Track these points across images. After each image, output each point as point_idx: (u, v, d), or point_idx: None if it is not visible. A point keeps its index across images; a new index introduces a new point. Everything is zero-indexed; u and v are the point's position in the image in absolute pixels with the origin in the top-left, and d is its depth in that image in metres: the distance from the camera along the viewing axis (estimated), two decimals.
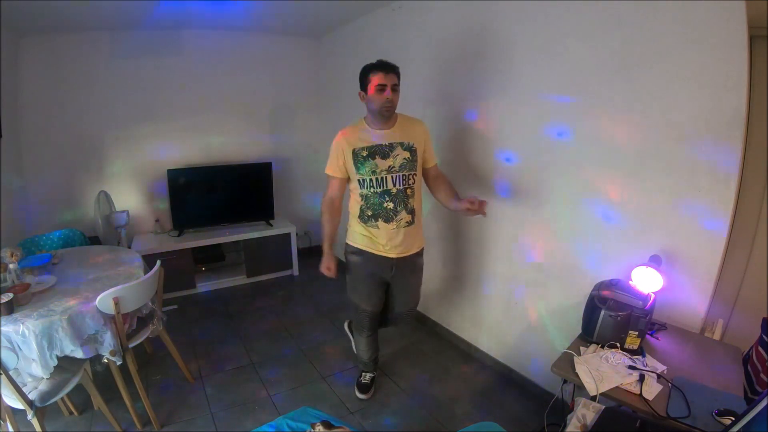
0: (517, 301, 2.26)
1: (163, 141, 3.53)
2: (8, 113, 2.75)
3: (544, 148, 1.98)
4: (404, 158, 1.87)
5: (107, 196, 3.18)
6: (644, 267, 1.51)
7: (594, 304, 1.47)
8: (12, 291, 1.65)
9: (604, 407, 1.15)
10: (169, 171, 3.41)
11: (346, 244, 2.05)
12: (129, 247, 3.11)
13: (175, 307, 3.21)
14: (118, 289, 1.74)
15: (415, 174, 1.91)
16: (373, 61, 1.85)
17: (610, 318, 1.42)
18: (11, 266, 1.79)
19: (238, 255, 3.90)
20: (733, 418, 0.97)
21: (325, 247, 2.00)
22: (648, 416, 1.14)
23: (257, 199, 3.81)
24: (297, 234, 3.87)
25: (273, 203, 3.85)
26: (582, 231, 1.88)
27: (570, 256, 1.94)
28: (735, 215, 1.44)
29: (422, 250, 2.08)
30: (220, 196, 3.72)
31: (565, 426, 1.17)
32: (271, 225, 3.82)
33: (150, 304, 2.04)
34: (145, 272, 2.08)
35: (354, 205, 1.97)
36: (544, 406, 1.64)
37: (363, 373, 2.28)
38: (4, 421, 1.60)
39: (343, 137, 1.90)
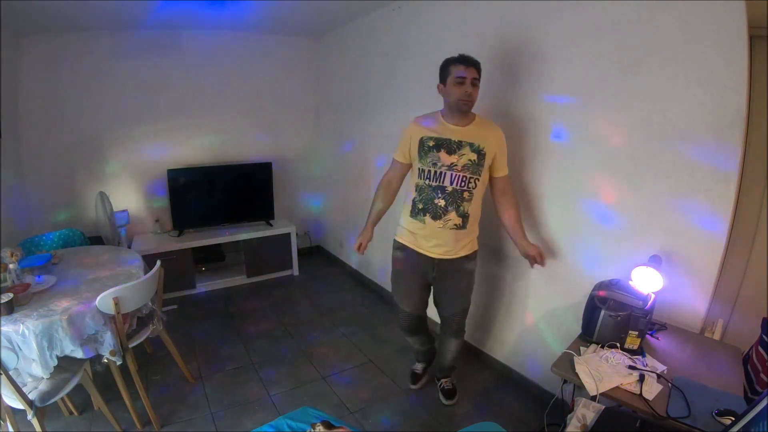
0: (517, 301, 2.26)
1: (163, 141, 3.53)
2: (8, 113, 2.75)
3: (543, 148, 1.99)
4: (470, 159, 1.77)
5: (105, 196, 3.17)
6: (644, 267, 1.51)
7: (594, 304, 1.47)
8: (12, 291, 1.65)
9: (604, 407, 1.15)
10: (169, 171, 3.42)
11: (393, 240, 2.00)
12: (129, 247, 3.11)
13: (175, 307, 3.21)
14: (118, 289, 1.74)
15: (478, 179, 1.80)
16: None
17: (610, 318, 1.42)
18: (11, 266, 1.79)
19: (238, 255, 3.90)
20: (733, 418, 0.97)
21: (368, 222, 2.00)
22: (648, 416, 1.14)
23: (257, 199, 3.81)
24: (297, 234, 3.87)
25: (273, 203, 3.85)
26: (582, 231, 1.88)
27: (570, 256, 1.94)
28: (735, 215, 1.44)
29: (473, 254, 1.94)
30: (220, 196, 3.72)
31: (565, 426, 1.17)
32: (271, 225, 3.82)
33: (150, 304, 2.04)
34: (145, 272, 2.08)
35: (409, 196, 1.91)
36: (544, 406, 1.64)
37: (415, 362, 2.31)
38: (4, 421, 1.60)
39: (415, 124, 1.86)
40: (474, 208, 1.84)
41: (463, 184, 1.79)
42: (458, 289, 1.98)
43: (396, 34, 2.87)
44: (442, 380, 2.21)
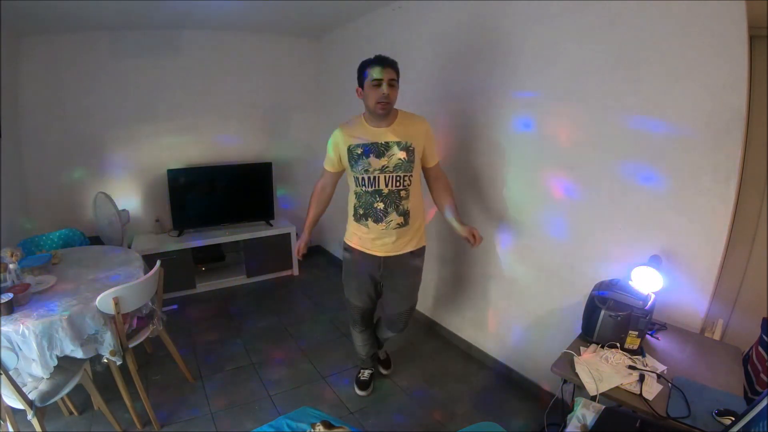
0: (517, 300, 2.26)
1: (163, 141, 3.53)
2: (8, 113, 2.75)
3: (544, 148, 1.98)
4: (400, 158, 1.79)
5: (107, 196, 3.17)
6: (644, 267, 1.51)
7: (594, 304, 1.47)
8: (12, 291, 1.65)
9: (604, 407, 1.15)
10: (169, 171, 3.42)
11: (343, 241, 2.05)
12: (129, 247, 3.11)
13: (175, 307, 3.21)
14: (118, 289, 1.74)
15: (411, 175, 1.83)
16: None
17: (610, 318, 1.42)
18: (11, 266, 1.79)
19: (238, 255, 3.90)
20: (733, 418, 0.97)
21: (305, 228, 2.06)
22: (648, 416, 1.14)
23: (257, 199, 3.81)
24: (297, 234, 3.87)
25: (273, 203, 3.85)
26: (582, 231, 1.88)
27: (570, 256, 1.94)
28: (735, 215, 1.44)
29: (419, 250, 1.98)
30: (220, 196, 3.72)
31: (565, 426, 1.17)
32: (271, 225, 3.82)
33: (150, 304, 2.04)
34: (145, 272, 2.08)
35: (350, 201, 1.95)
36: (544, 406, 1.64)
37: (361, 370, 2.29)
38: (4, 421, 1.60)
39: (340, 132, 1.86)
40: (414, 203, 1.88)
41: (398, 183, 1.81)
42: (405, 286, 2.01)
43: (396, 34, 2.87)
44: (379, 351, 2.34)
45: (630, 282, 1.52)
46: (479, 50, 2.24)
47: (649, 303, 1.41)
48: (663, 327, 1.55)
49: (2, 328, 1.52)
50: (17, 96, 2.94)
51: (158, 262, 2.01)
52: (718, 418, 1.08)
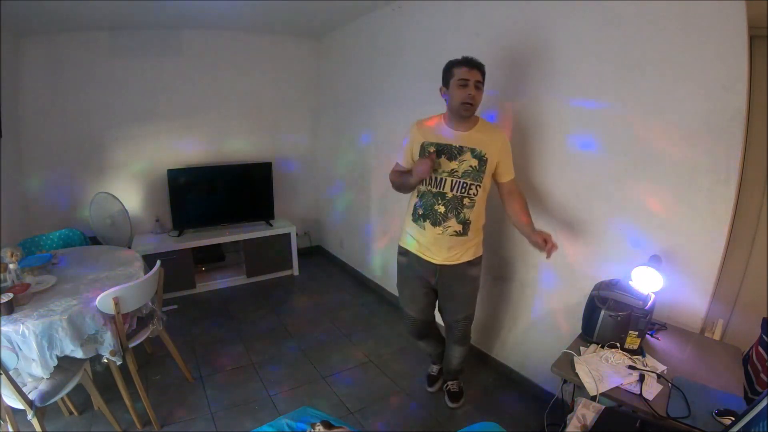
0: (517, 300, 2.26)
1: (163, 141, 3.53)
2: (8, 113, 2.75)
3: (544, 148, 1.98)
4: (470, 166, 1.72)
5: (112, 195, 3.18)
6: (644, 267, 1.51)
7: (594, 304, 1.47)
8: (12, 291, 1.65)
9: (604, 407, 1.15)
10: (169, 171, 3.41)
11: (398, 245, 1.98)
12: (129, 247, 3.11)
13: (175, 307, 3.21)
14: (118, 289, 1.73)
15: (479, 186, 1.75)
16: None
17: (610, 318, 1.42)
18: (11, 266, 1.79)
19: (238, 255, 3.90)
20: (733, 418, 0.97)
21: (408, 173, 1.82)
22: (648, 416, 1.14)
23: (257, 199, 3.81)
24: (297, 234, 3.87)
25: (273, 203, 3.85)
26: (582, 231, 1.88)
27: (570, 256, 1.94)
28: (735, 215, 1.44)
29: (477, 259, 1.89)
30: (220, 196, 3.71)
31: (565, 426, 1.17)
32: (271, 225, 3.82)
33: (150, 304, 2.04)
34: (145, 272, 2.08)
35: (411, 201, 1.89)
36: (544, 406, 1.64)
37: (431, 365, 2.32)
38: (4, 421, 1.60)
39: (418, 128, 1.82)
40: (476, 215, 1.80)
41: (463, 190, 1.75)
42: (461, 295, 1.93)
43: (396, 34, 2.87)
44: (448, 383, 2.18)
45: (630, 282, 1.52)
46: (479, 50, 2.23)
47: (649, 303, 1.41)
48: (663, 327, 1.56)
49: (2, 328, 1.52)
50: (17, 96, 2.94)
51: (158, 262, 2.01)
52: (718, 418, 1.09)
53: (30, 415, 1.55)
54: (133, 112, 3.37)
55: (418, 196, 1.84)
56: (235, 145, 3.82)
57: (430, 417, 2.07)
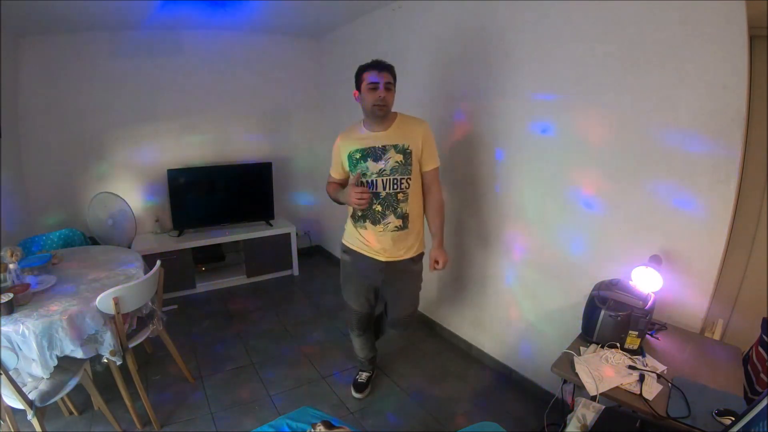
0: (517, 300, 2.26)
1: (163, 141, 3.53)
2: (8, 113, 2.75)
3: (545, 148, 1.98)
4: (396, 161, 1.80)
5: (115, 195, 3.18)
6: (644, 267, 1.51)
7: (594, 304, 1.47)
8: (12, 291, 1.65)
9: (604, 407, 1.15)
10: (169, 171, 3.41)
11: (341, 243, 2.05)
12: (129, 247, 3.11)
13: (175, 307, 3.21)
14: (118, 289, 1.74)
15: (409, 178, 1.83)
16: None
17: (610, 318, 1.42)
18: (11, 266, 1.79)
19: (238, 255, 3.90)
20: (733, 418, 0.97)
21: (340, 193, 1.92)
22: (648, 416, 1.14)
23: (257, 199, 3.81)
24: (297, 234, 3.87)
25: (273, 203, 3.85)
26: (582, 231, 1.88)
27: (570, 256, 1.94)
28: (735, 215, 1.44)
29: (419, 255, 1.99)
30: (220, 196, 3.72)
31: (565, 426, 1.17)
32: (271, 225, 3.82)
33: (150, 304, 2.04)
34: (145, 272, 2.08)
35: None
36: (544, 406, 1.64)
37: (359, 372, 2.29)
38: (4, 421, 1.60)
39: (340, 139, 1.91)
40: (413, 206, 1.87)
41: (395, 186, 1.82)
42: (407, 290, 2.04)
43: (396, 34, 2.87)
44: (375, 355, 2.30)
45: (630, 282, 1.52)
46: (479, 51, 2.24)
47: (649, 303, 1.41)
48: (663, 327, 1.55)
49: (2, 328, 1.52)
50: (17, 96, 2.94)
51: (158, 262, 2.01)
52: (718, 418, 1.09)
53: (30, 415, 1.55)
54: (133, 112, 3.37)
55: None
56: (235, 145, 3.82)
57: (430, 417, 2.07)
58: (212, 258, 3.80)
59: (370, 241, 1.90)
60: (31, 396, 1.57)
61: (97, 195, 3.12)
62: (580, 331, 1.54)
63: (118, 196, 3.16)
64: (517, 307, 2.26)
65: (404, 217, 1.86)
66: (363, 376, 2.27)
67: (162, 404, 2.11)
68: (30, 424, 1.58)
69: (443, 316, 2.83)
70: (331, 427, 1.11)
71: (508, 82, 2.09)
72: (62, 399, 1.92)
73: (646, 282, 1.49)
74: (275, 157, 3.91)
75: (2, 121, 2.64)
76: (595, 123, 1.77)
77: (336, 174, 1.97)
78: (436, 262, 1.95)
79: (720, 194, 1.42)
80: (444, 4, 2.42)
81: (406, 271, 1.98)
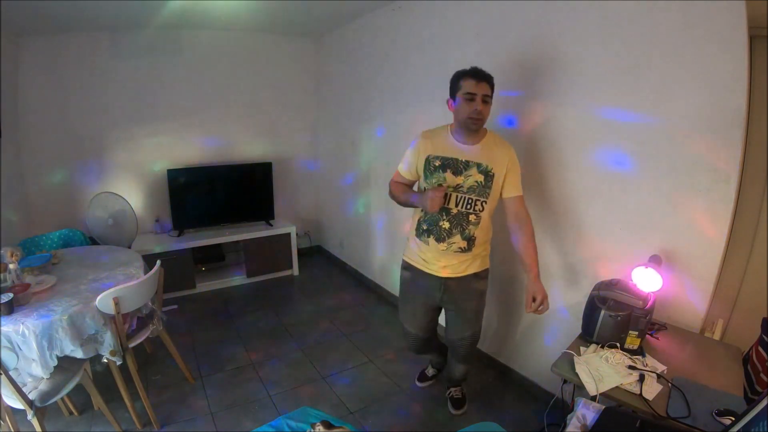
0: (517, 301, 2.26)
1: (163, 141, 3.53)
2: (8, 113, 2.75)
3: (545, 147, 1.98)
4: (476, 181, 1.67)
5: (117, 195, 3.18)
6: (644, 267, 1.51)
7: (594, 304, 1.47)
8: (12, 291, 1.65)
9: (604, 407, 1.15)
10: (169, 171, 3.42)
11: (402, 259, 1.93)
12: (129, 247, 3.11)
13: (175, 307, 3.21)
14: (118, 289, 1.73)
15: (485, 201, 1.69)
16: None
17: (610, 318, 1.42)
18: (11, 266, 1.79)
19: (238, 255, 3.90)
20: (733, 418, 0.97)
21: (413, 196, 1.77)
22: (648, 416, 1.14)
23: (257, 199, 3.81)
24: (297, 234, 3.87)
25: (273, 203, 3.85)
26: (582, 231, 1.88)
27: (570, 256, 1.94)
28: (735, 215, 1.44)
29: (483, 272, 1.85)
30: (220, 196, 3.71)
31: (565, 426, 1.17)
32: (271, 225, 3.82)
33: (150, 304, 2.04)
34: (145, 272, 2.08)
35: (414, 215, 1.84)
36: (544, 406, 1.64)
37: (429, 365, 2.34)
38: (4, 421, 1.60)
39: (424, 139, 1.75)
40: (482, 231, 1.74)
41: (468, 206, 1.69)
42: (468, 310, 1.87)
43: (396, 34, 2.87)
44: (451, 389, 2.14)
45: (630, 282, 1.52)
46: (480, 50, 2.24)
47: (649, 303, 1.41)
48: (663, 327, 1.55)
49: (2, 328, 1.52)
50: (17, 96, 2.94)
51: (158, 262, 2.01)
52: (718, 418, 1.08)
53: (30, 415, 1.55)
54: (133, 112, 3.37)
55: (422, 210, 1.77)
56: (235, 145, 3.83)
57: (430, 417, 2.07)
58: (212, 258, 3.79)
59: (431, 257, 1.78)
60: (31, 396, 1.57)
61: (97, 195, 3.12)
62: (580, 331, 1.54)
63: (119, 196, 3.16)
64: (517, 307, 2.26)
65: (470, 240, 1.73)
66: (430, 370, 2.32)
67: (162, 404, 2.11)
68: (30, 424, 1.58)
69: (442, 316, 2.81)
70: (330, 427, 1.11)
71: (510, 82, 2.08)
72: (62, 399, 1.92)
73: (646, 282, 1.49)
74: (275, 157, 3.91)
75: (2, 121, 2.64)
76: (593, 123, 1.77)
77: (407, 174, 1.80)
78: (533, 299, 1.67)
79: (720, 194, 1.42)
80: (444, 3, 2.42)
81: (468, 289, 1.83)
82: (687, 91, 1.46)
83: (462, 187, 1.69)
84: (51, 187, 3.21)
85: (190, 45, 3.45)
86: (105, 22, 2.96)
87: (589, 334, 1.49)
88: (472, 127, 1.64)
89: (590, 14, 1.71)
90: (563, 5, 1.80)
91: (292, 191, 4.22)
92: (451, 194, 1.68)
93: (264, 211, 3.84)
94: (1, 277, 1.77)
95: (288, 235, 3.79)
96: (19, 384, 1.53)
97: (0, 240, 2.39)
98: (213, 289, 3.59)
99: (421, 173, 1.76)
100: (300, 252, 4.01)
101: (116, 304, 1.72)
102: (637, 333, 1.40)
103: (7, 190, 2.67)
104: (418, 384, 2.28)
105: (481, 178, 1.68)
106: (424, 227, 1.77)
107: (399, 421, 2.04)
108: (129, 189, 3.46)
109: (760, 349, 1.35)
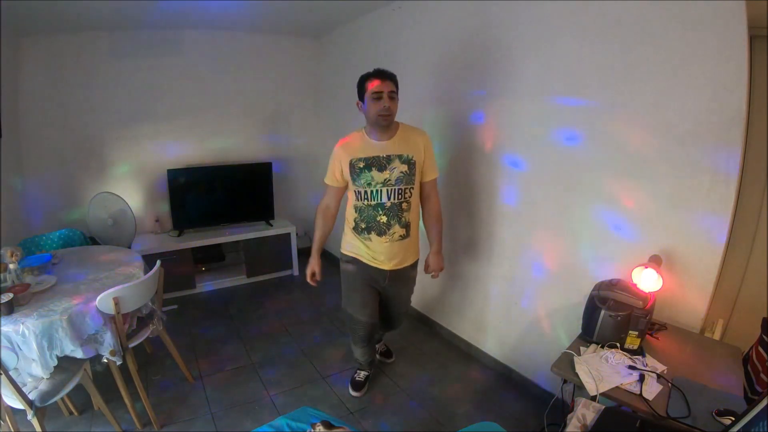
0: (517, 301, 2.26)
1: (163, 141, 3.53)
2: (8, 113, 2.75)
3: (546, 150, 1.98)
4: (401, 171, 1.82)
5: (116, 195, 3.18)
6: (644, 267, 1.51)
7: (594, 304, 1.47)
8: (12, 291, 1.65)
9: (604, 407, 1.15)
10: (169, 171, 3.41)
11: (341, 253, 2.03)
12: (129, 247, 3.11)
13: (175, 307, 3.21)
14: (118, 289, 1.73)
15: (413, 188, 1.87)
16: (372, 66, 1.83)
17: (610, 318, 1.42)
18: (11, 266, 1.79)
19: (238, 255, 3.90)
20: (733, 418, 0.97)
21: (313, 251, 2.03)
22: (648, 416, 1.14)
23: (257, 199, 3.81)
24: (297, 234, 3.88)
25: (273, 203, 3.85)
26: (582, 231, 1.88)
27: (570, 256, 1.94)
28: (735, 215, 1.44)
29: (416, 262, 2.07)
30: (220, 196, 3.72)
31: (565, 426, 1.17)
32: (271, 225, 3.82)
33: (150, 304, 2.04)
34: (145, 272, 2.08)
35: (349, 215, 1.96)
36: (544, 406, 1.64)
37: (357, 371, 2.29)
38: (4, 421, 1.60)
39: (341, 147, 1.88)
40: (413, 214, 1.92)
41: (399, 197, 1.84)
42: (405, 295, 2.15)
43: (396, 34, 2.87)
44: (377, 345, 2.42)
45: (630, 282, 1.52)
46: (480, 50, 2.24)
47: (649, 303, 1.41)
48: (663, 327, 1.55)
49: (2, 328, 1.52)
50: (17, 96, 2.94)
51: (158, 262, 2.01)
52: (718, 418, 1.09)
53: (30, 415, 1.55)
54: (133, 112, 3.36)
55: (356, 211, 1.90)
56: (235, 145, 3.83)
57: (430, 417, 2.07)
58: (212, 258, 3.79)
59: (377, 251, 1.91)
60: (31, 396, 1.57)
61: (97, 195, 3.12)
62: (580, 331, 1.54)
63: (119, 197, 3.16)
64: (517, 307, 2.26)
65: (407, 226, 1.90)
66: (361, 374, 2.27)
67: (162, 404, 2.11)
68: (30, 424, 1.58)
69: (444, 316, 2.83)
70: (330, 427, 1.11)
71: (512, 83, 2.09)
72: (62, 399, 1.92)
73: (646, 282, 1.49)
74: (275, 157, 3.91)
75: (2, 121, 2.64)
76: (593, 124, 1.77)
77: (333, 182, 1.94)
78: (432, 269, 2.06)
79: (720, 194, 1.42)
80: (444, 3, 2.42)
81: (407, 277, 2.07)
82: (687, 91, 1.46)
83: (390, 180, 1.82)
84: (51, 188, 3.20)
85: (190, 45, 3.44)
86: (105, 21, 2.96)
87: (589, 334, 1.49)
88: (383, 123, 1.77)
89: (590, 14, 1.71)
90: (564, 5, 1.80)
91: (292, 191, 4.22)
92: (381, 189, 1.82)
93: (264, 211, 3.84)
94: (1, 277, 1.77)
95: (288, 235, 3.79)
96: (19, 384, 1.53)
97: (0, 240, 2.39)
98: (213, 289, 3.59)
99: (348, 178, 1.87)
100: (300, 252, 4.00)
101: (116, 304, 1.72)
102: (637, 333, 1.40)
103: (7, 190, 2.67)
104: (356, 394, 2.20)
105: (405, 167, 1.83)
106: (363, 226, 1.89)
107: (399, 421, 2.04)
108: (129, 189, 3.46)
109: (760, 349, 1.35)
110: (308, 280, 2.04)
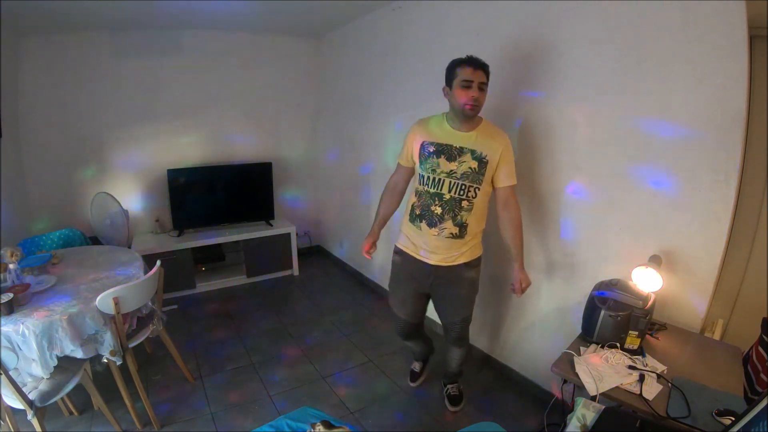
0: (516, 300, 2.25)
1: (163, 141, 3.53)
2: (8, 113, 2.75)
3: (544, 148, 1.98)
4: (470, 167, 1.69)
5: (110, 195, 3.18)
6: (644, 267, 1.51)
7: (594, 304, 1.47)
8: (12, 291, 1.65)
9: (604, 407, 1.15)
10: (169, 171, 3.41)
11: (394, 245, 1.96)
12: (129, 247, 3.11)
13: (175, 307, 3.21)
14: (118, 289, 1.73)
15: (479, 188, 1.71)
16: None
17: (610, 318, 1.42)
18: (11, 266, 1.79)
19: (238, 255, 3.90)
20: (733, 418, 0.97)
21: (374, 226, 1.96)
22: (648, 416, 1.14)
23: (257, 199, 3.81)
24: (297, 234, 3.87)
25: (273, 203, 3.85)
26: (582, 231, 1.88)
27: (570, 256, 1.94)
28: (735, 215, 1.44)
29: (474, 260, 1.85)
30: (220, 196, 3.71)
31: (565, 426, 1.17)
32: (271, 225, 3.82)
33: (150, 304, 2.04)
34: (145, 272, 2.08)
35: (409, 201, 1.88)
36: (544, 406, 1.65)
37: (414, 362, 2.33)
38: (4, 421, 1.60)
39: (417, 127, 1.80)
40: (474, 219, 1.76)
41: (461, 192, 1.71)
42: (457, 297, 1.89)
43: (396, 34, 2.87)
44: (448, 386, 2.16)
45: (630, 282, 1.52)
46: (480, 50, 2.23)
47: (649, 303, 1.41)
48: (663, 327, 1.55)
49: (2, 328, 1.52)
50: (17, 96, 2.94)
51: (158, 262, 2.01)
52: (718, 418, 1.09)
53: (30, 415, 1.55)
54: (133, 112, 3.36)
55: (416, 195, 1.82)
56: (235, 145, 3.82)
57: (430, 417, 2.07)
58: (212, 258, 3.79)
59: (424, 241, 1.80)
60: (31, 396, 1.57)
61: (98, 195, 3.12)
62: (580, 331, 1.54)
63: (114, 198, 3.15)
64: (517, 307, 2.26)
65: (462, 227, 1.75)
66: (416, 366, 2.30)
67: (162, 404, 2.11)
68: (30, 424, 1.58)
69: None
70: (330, 427, 1.11)
71: (512, 82, 2.09)
72: (62, 399, 1.92)
73: (646, 282, 1.49)
74: (275, 157, 3.91)
75: (2, 121, 2.63)
76: (593, 123, 1.77)
77: (403, 161, 1.86)
78: (519, 288, 1.81)
79: (720, 194, 1.42)
80: (445, 3, 2.42)
81: (458, 277, 1.83)
82: (687, 91, 1.46)
83: (455, 173, 1.71)
84: (51, 187, 3.20)
85: (190, 45, 3.44)
86: (105, 21, 2.96)
87: (589, 334, 1.49)
88: (468, 113, 1.66)
89: (590, 14, 1.71)
90: (563, 5, 1.80)
91: (292, 191, 4.22)
92: (444, 180, 1.71)
93: (264, 211, 3.84)
94: (1, 277, 1.77)
95: (288, 234, 3.79)
96: (19, 384, 1.53)
97: (0, 240, 2.39)
98: (213, 289, 3.59)
99: (416, 160, 1.79)
100: (300, 252, 4.01)
101: (116, 304, 1.72)
102: (637, 333, 1.40)
103: (7, 190, 2.67)
104: (411, 384, 2.27)
105: (474, 164, 1.70)
106: (417, 212, 1.80)
107: (399, 421, 2.04)
108: (129, 189, 3.46)
109: (760, 349, 1.35)
110: (363, 253, 1.95)
